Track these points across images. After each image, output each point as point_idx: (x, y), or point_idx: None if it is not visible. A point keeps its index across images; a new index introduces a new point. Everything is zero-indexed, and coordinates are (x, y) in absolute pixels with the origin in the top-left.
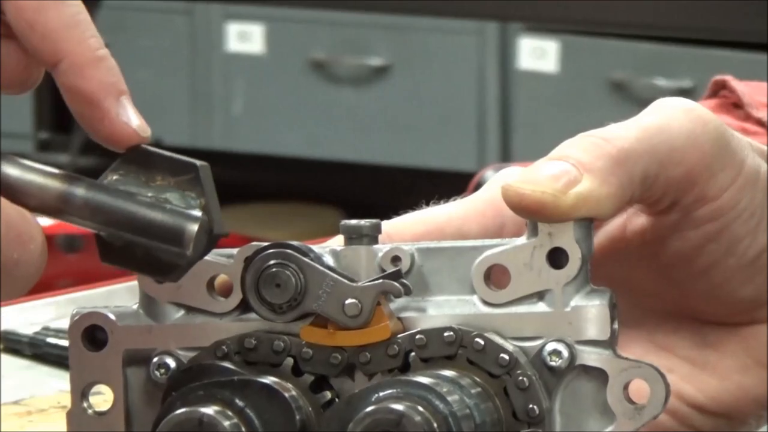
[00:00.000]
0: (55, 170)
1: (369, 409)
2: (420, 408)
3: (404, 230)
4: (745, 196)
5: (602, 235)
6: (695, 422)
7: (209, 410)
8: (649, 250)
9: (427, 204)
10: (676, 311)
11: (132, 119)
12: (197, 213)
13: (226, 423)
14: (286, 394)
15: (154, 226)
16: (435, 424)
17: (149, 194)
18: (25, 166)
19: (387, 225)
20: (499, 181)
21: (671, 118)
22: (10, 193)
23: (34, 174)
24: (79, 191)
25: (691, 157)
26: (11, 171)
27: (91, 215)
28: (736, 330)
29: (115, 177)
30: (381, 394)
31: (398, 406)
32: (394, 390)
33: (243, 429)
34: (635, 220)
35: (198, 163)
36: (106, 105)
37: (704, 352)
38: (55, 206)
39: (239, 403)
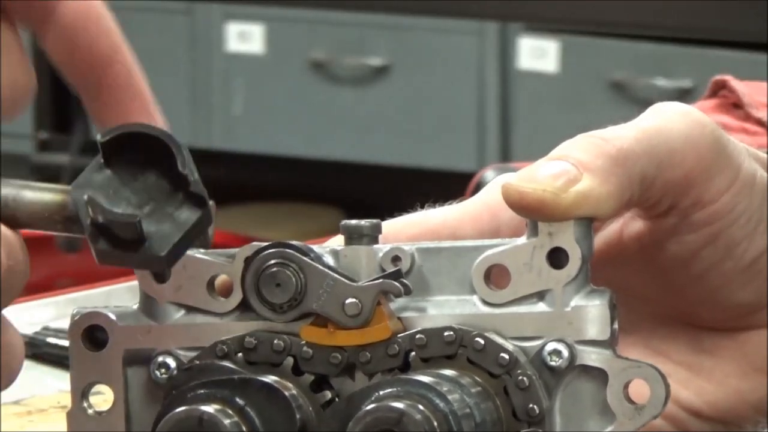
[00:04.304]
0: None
1: (369, 407)
2: (420, 406)
3: (399, 232)
4: (742, 200)
5: (599, 240)
6: (692, 427)
7: (209, 408)
8: (647, 254)
9: (423, 206)
10: (673, 316)
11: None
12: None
13: (227, 421)
14: (287, 393)
15: None
16: (435, 423)
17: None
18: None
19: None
20: (496, 186)
21: (669, 121)
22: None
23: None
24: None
25: (689, 160)
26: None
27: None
28: (733, 335)
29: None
30: (381, 392)
31: (398, 405)
32: (395, 388)
33: (243, 428)
34: (632, 224)
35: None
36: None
37: (701, 358)
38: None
39: (239, 401)
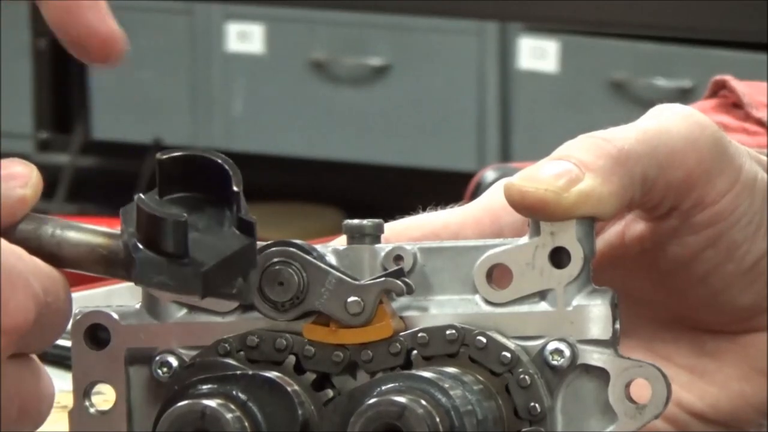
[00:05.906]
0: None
1: (371, 401)
2: (422, 401)
3: (401, 235)
4: (743, 202)
5: (601, 242)
6: (694, 429)
7: (212, 403)
8: (648, 257)
9: (425, 209)
10: (675, 320)
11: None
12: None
13: (229, 416)
14: (289, 389)
15: None
16: (437, 418)
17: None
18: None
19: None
20: (498, 189)
21: (670, 122)
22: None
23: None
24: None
25: (690, 161)
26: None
27: None
28: (735, 338)
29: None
30: (383, 387)
31: (400, 399)
32: (397, 383)
33: (245, 422)
34: (634, 227)
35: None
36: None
37: (703, 361)
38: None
39: (242, 396)
